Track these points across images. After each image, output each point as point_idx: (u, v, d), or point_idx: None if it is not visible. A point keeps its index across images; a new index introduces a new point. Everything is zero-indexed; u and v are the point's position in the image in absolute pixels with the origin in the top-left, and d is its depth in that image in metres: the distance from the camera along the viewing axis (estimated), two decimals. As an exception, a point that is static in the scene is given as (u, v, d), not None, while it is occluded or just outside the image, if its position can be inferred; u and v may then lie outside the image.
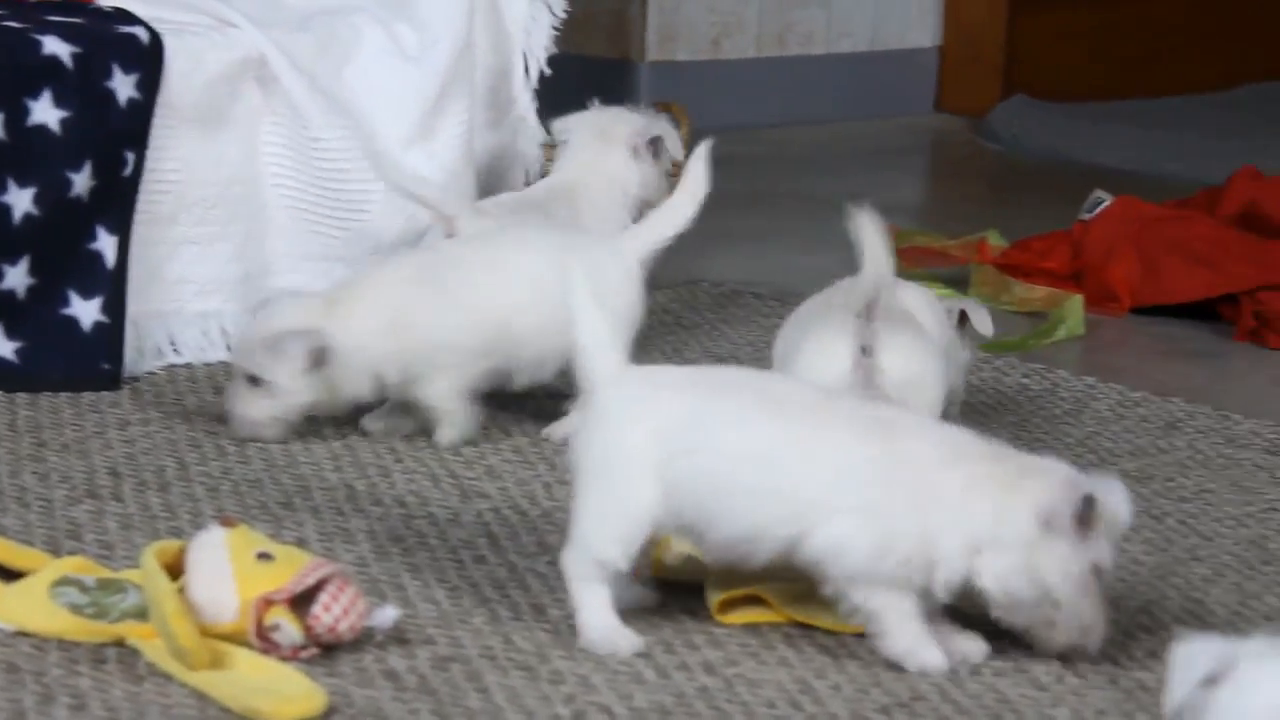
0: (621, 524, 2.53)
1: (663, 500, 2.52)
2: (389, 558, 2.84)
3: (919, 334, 3.03)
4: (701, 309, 3.99)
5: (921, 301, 3.16)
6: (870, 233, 2.88)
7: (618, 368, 2.59)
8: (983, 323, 3.24)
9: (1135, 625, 2.70)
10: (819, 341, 2.96)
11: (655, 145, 3.68)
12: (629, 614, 2.61)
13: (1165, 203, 4.46)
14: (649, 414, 2.54)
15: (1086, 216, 4.32)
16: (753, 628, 2.67)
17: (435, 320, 3.22)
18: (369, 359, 3.21)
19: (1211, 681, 1.89)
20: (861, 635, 2.63)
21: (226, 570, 2.49)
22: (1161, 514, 3.12)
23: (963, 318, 3.24)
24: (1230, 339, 4.09)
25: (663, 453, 2.52)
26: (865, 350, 2.91)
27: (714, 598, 2.70)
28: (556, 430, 3.29)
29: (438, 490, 3.10)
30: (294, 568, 2.51)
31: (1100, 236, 4.24)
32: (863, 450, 2.52)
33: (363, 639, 2.54)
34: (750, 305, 4.14)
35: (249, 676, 2.42)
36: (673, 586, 2.75)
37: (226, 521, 2.55)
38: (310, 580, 2.50)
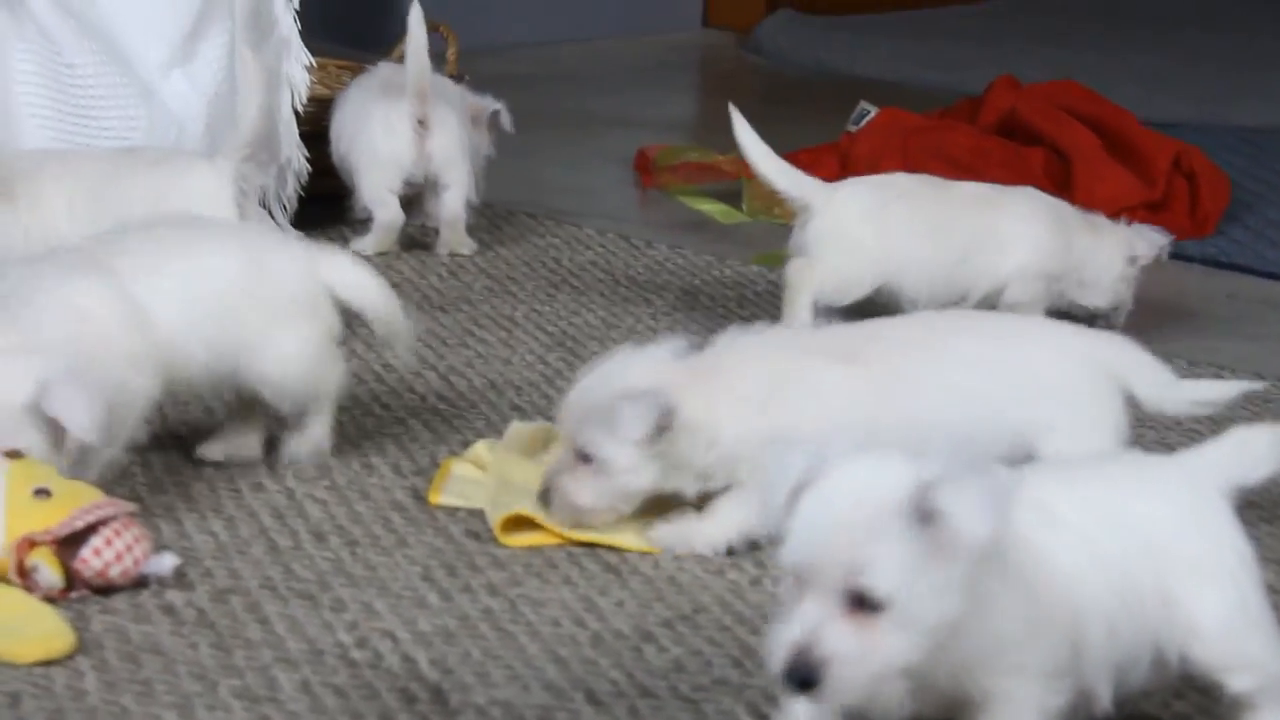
0: None
1: None
2: (164, 491, 2.79)
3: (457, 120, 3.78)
4: (476, 230, 3.96)
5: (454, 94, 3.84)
6: (414, 29, 3.67)
7: None
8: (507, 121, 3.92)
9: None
10: (384, 121, 3.75)
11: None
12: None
13: (928, 112, 4.52)
14: None
15: (853, 128, 4.36)
16: (536, 549, 2.67)
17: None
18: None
19: (802, 487, 1.96)
20: (645, 554, 2.64)
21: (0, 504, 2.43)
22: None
23: (494, 117, 3.93)
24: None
25: None
26: (422, 123, 3.70)
27: (496, 520, 2.69)
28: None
29: (212, 418, 3.04)
30: (70, 507, 2.45)
31: (867, 147, 4.28)
32: None
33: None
34: (524, 224, 4.12)
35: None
36: (454, 511, 2.75)
37: (11, 454, 2.48)
38: (80, 523, 2.44)
